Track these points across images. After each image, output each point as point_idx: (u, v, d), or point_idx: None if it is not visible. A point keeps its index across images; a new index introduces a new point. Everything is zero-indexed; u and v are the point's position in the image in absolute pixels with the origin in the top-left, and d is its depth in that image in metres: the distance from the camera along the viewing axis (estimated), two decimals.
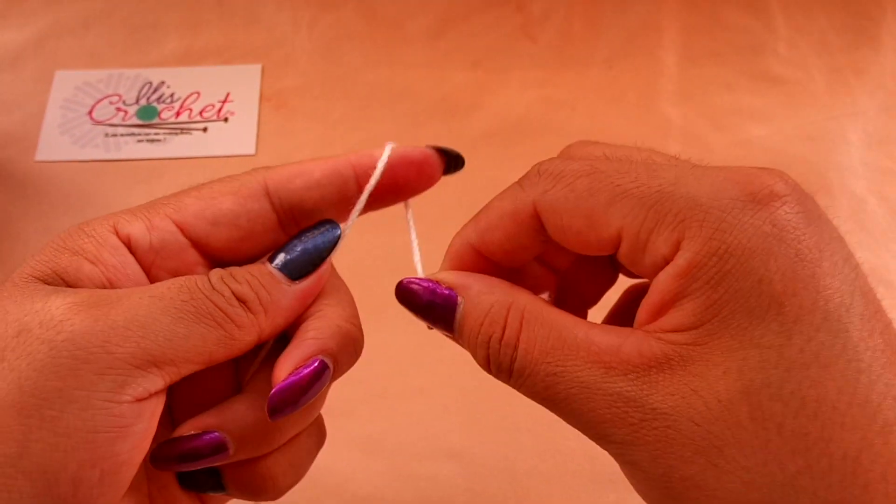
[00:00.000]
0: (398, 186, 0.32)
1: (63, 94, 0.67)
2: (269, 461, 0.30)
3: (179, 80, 0.68)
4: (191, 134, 0.65)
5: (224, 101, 0.67)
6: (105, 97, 0.67)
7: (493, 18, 0.72)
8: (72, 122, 0.65)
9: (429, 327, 0.31)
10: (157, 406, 0.26)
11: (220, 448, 0.28)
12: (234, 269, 0.28)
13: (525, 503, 0.49)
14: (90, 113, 0.66)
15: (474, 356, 0.28)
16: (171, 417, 0.30)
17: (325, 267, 0.30)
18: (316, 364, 0.28)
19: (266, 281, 0.28)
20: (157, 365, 0.25)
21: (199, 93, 0.67)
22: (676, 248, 0.24)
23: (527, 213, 0.27)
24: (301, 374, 0.28)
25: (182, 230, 0.29)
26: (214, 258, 0.30)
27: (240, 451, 0.28)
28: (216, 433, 0.28)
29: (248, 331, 0.28)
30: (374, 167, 0.31)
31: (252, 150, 0.64)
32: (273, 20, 0.72)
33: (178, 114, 0.66)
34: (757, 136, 0.66)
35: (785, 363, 0.22)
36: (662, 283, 0.24)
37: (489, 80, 0.69)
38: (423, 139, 0.65)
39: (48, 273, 0.27)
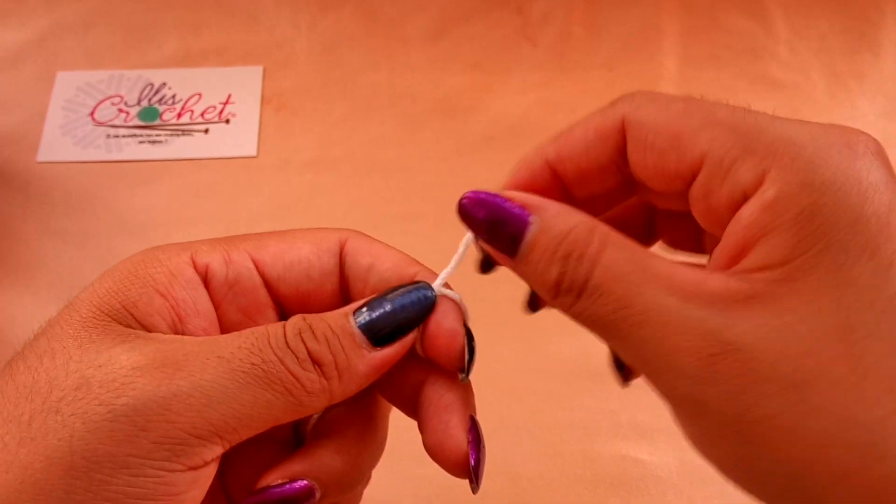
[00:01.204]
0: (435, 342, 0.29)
1: (65, 95, 0.67)
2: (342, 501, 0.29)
3: (181, 82, 0.68)
4: (192, 135, 0.65)
5: (225, 103, 0.67)
6: (107, 98, 0.67)
7: (493, 21, 0.73)
8: (73, 122, 0.65)
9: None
10: (211, 471, 0.25)
11: (309, 495, 0.27)
12: (314, 320, 0.27)
13: None
14: (92, 114, 0.66)
15: (538, 276, 0.25)
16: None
17: (411, 336, 0.28)
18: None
19: (346, 343, 0.26)
20: (218, 434, 0.24)
21: (200, 94, 0.67)
22: (761, 181, 0.23)
23: (614, 126, 0.26)
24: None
25: (258, 269, 0.28)
26: (282, 303, 0.29)
27: (323, 498, 0.28)
28: (305, 481, 0.27)
29: (318, 397, 0.26)
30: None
31: (253, 152, 0.64)
32: (273, 21, 0.72)
33: (179, 115, 0.66)
34: None
35: (881, 303, 0.22)
36: (746, 219, 0.23)
37: (489, 82, 0.69)
38: (423, 141, 0.65)
39: (117, 308, 0.26)
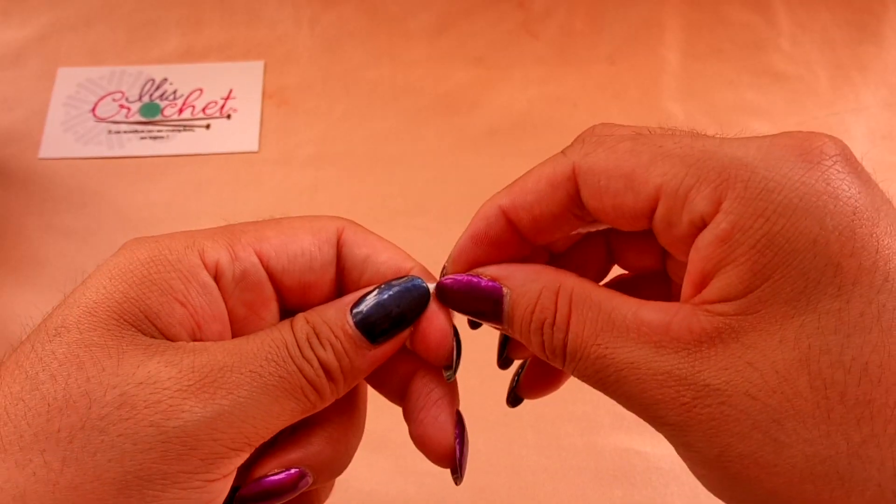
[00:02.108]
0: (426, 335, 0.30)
1: (66, 92, 0.67)
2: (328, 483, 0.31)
3: (182, 77, 0.68)
4: (194, 131, 0.65)
5: (227, 98, 0.67)
6: (108, 94, 0.67)
7: (495, 15, 0.72)
8: (75, 119, 0.65)
9: (472, 327, 0.30)
10: (234, 474, 0.26)
11: (303, 483, 0.28)
12: (317, 324, 0.27)
13: (529, 500, 0.49)
14: (93, 110, 0.66)
15: (528, 343, 0.27)
16: None
17: (407, 331, 0.29)
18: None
19: (349, 346, 0.27)
20: (249, 444, 0.26)
21: (201, 90, 0.67)
22: (717, 208, 0.23)
23: (564, 175, 0.26)
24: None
25: (262, 262, 0.29)
26: (284, 295, 0.30)
27: (314, 484, 0.29)
28: (298, 469, 0.28)
29: (327, 398, 0.28)
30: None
31: (255, 147, 0.64)
32: (274, 17, 0.72)
33: (181, 111, 0.66)
34: (759, 132, 0.65)
35: (845, 328, 0.21)
36: (703, 250, 0.23)
37: (491, 76, 0.69)
38: (425, 136, 0.65)
39: (139, 318, 0.26)
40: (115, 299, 0.26)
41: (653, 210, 0.24)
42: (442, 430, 0.29)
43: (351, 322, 0.28)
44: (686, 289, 0.24)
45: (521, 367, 0.33)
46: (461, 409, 0.31)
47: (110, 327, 0.25)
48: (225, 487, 0.26)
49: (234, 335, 0.28)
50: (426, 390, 0.30)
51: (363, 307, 0.28)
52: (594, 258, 0.31)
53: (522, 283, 0.27)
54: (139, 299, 0.26)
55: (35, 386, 0.24)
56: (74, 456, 0.23)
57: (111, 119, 0.66)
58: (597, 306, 0.25)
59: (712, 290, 0.23)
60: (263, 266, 0.29)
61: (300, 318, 0.28)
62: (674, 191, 0.23)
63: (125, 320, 0.25)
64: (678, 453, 0.26)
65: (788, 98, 0.68)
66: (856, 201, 0.22)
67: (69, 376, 0.24)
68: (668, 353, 0.23)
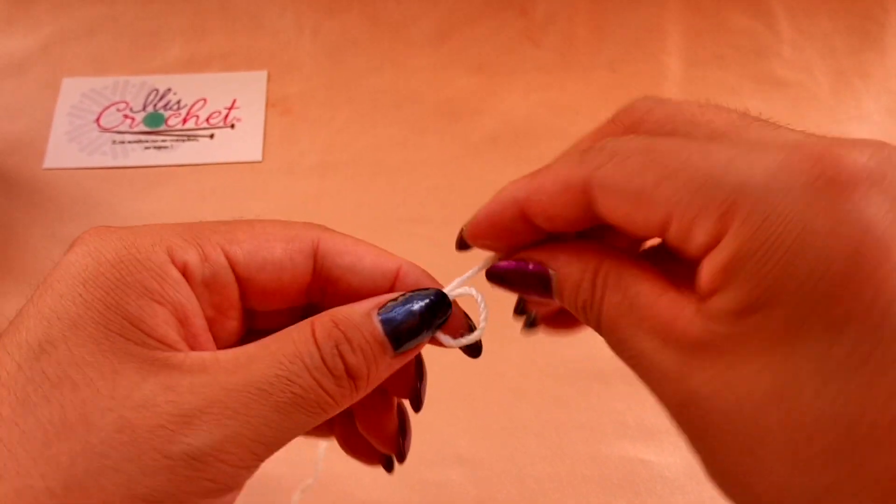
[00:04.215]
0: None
1: (70, 102, 0.67)
2: None
3: (186, 87, 0.68)
4: (198, 140, 0.65)
5: (230, 108, 0.67)
6: (112, 104, 0.67)
7: (497, 23, 0.73)
8: (79, 129, 0.66)
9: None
10: (244, 485, 0.26)
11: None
12: (348, 329, 0.27)
13: None
14: (97, 120, 0.66)
15: (575, 313, 0.28)
16: None
17: (426, 340, 0.29)
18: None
19: (377, 351, 0.27)
20: (261, 458, 0.26)
21: (205, 99, 0.67)
22: (719, 239, 0.22)
23: (578, 188, 0.26)
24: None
25: (231, 265, 0.28)
26: (249, 298, 0.29)
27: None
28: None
29: (343, 407, 0.27)
30: (418, 286, 0.30)
31: (259, 157, 0.65)
32: (277, 26, 0.72)
33: (184, 120, 0.66)
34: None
35: (823, 374, 0.21)
36: (707, 273, 0.23)
37: (493, 84, 0.69)
38: (427, 143, 0.65)
39: (122, 324, 0.25)
40: (96, 309, 0.25)
41: (665, 228, 0.24)
42: (385, 432, 0.32)
43: (379, 326, 0.27)
44: (698, 290, 0.24)
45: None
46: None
47: (99, 341, 0.25)
48: (234, 498, 0.26)
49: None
50: (372, 399, 0.32)
51: (392, 314, 0.28)
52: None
53: (566, 263, 0.28)
54: (118, 305, 0.25)
55: (29, 410, 0.23)
56: (77, 481, 0.23)
57: (115, 129, 0.66)
58: (624, 290, 0.26)
59: (713, 302, 0.23)
60: (232, 268, 0.28)
61: (327, 323, 0.27)
62: (679, 219, 0.23)
63: (112, 331, 0.25)
64: None
65: (790, 105, 0.68)
66: (865, 233, 0.20)
67: (63, 398, 0.24)
68: (669, 351, 0.24)
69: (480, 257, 0.30)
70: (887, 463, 0.20)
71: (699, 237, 0.23)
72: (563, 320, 0.33)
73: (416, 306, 0.28)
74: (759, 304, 0.22)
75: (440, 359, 0.54)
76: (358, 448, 0.34)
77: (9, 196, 0.62)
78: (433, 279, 0.31)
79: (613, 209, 0.25)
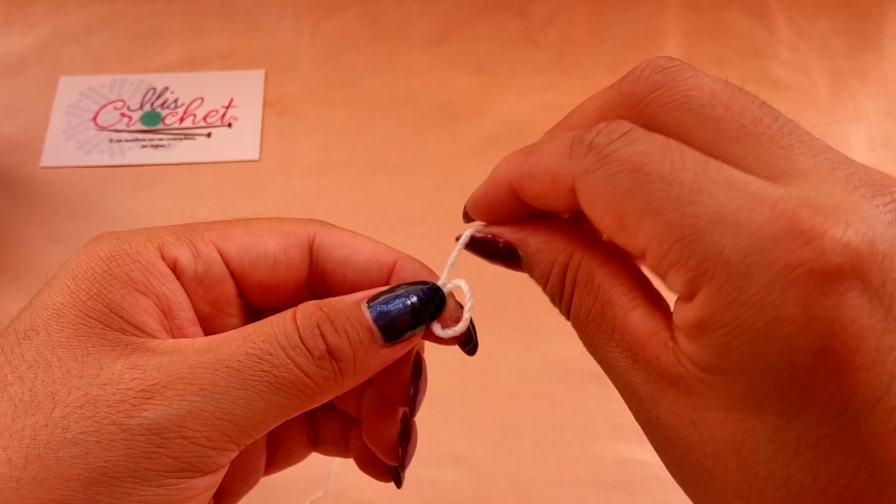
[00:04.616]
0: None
1: (67, 100, 0.67)
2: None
3: (183, 86, 0.68)
4: (195, 139, 0.65)
5: (228, 107, 0.67)
6: (109, 103, 0.67)
7: (496, 24, 0.73)
8: (76, 127, 0.66)
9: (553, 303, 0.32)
10: (226, 467, 0.26)
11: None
12: (332, 312, 0.27)
13: None
14: (95, 119, 0.66)
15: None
16: None
17: (419, 335, 0.29)
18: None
19: (364, 336, 0.27)
20: (233, 441, 0.25)
21: (202, 98, 0.67)
22: (692, 295, 0.22)
23: (565, 184, 0.25)
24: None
25: (225, 261, 0.28)
26: (247, 294, 0.29)
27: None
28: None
29: (329, 392, 0.27)
30: (415, 279, 0.30)
31: (256, 156, 0.64)
32: (276, 26, 0.72)
33: (182, 119, 0.66)
34: None
35: (776, 443, 0.21)
36: (677, 318, 0.23)
37: (492, 85, 0.69)
38: (426, 144, 0.65)
39: (105, 313, 0.25)
40: (79, 298, 0.25)
41: (640, 255, 0.24)
42: (387, 441, 0.32)
43: (368, 314, 0.27)
44: (673, 317, 0.24)
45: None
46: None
47: (77, 327, 0.25)
48: (212, 482, 0.25)
49: (205, 334, 0.28)
50: (375, 406, 0.32)
51: (383, 306, 0.27)
52: None
53: (536, 251, 0.27)
54: (102, 295, 0.26)
55: (3, 388, 0.24)
56: (38, 453, 0.23)
57: (112, 128, 0.66)
58: (595, 293, 0.25)
59: (683, 345, 0.23)
60: (225, 264, 0.28)
61: (309, 305, 0.27)
62: (657, 261, 0.23)
63: (92, 318, 0.25)
64: None
65: (788, 106, 0.67)
66: (832, 335, 0.20)
67: (36, 378, 0.24)
68: (639, 371, 0.24)
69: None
70: None
71: (673, 284, 0.23)
72: (371, 462, 0.34)
73: (408, 298, 0.28)
74: (724, 370, 0.22)
75: (437, 359, 0.54)
76: (371, 464, 0.34)
77: (6, 194, 0.62)
78: (431, 272, 0.30)
79: (596, 219, 0.24)
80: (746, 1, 0.74)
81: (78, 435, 0.23)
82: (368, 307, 0.27)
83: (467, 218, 0.30)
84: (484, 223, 0.29)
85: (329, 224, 0.30)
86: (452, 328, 0.29)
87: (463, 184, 0.68)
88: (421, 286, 0.29)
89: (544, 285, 0.27)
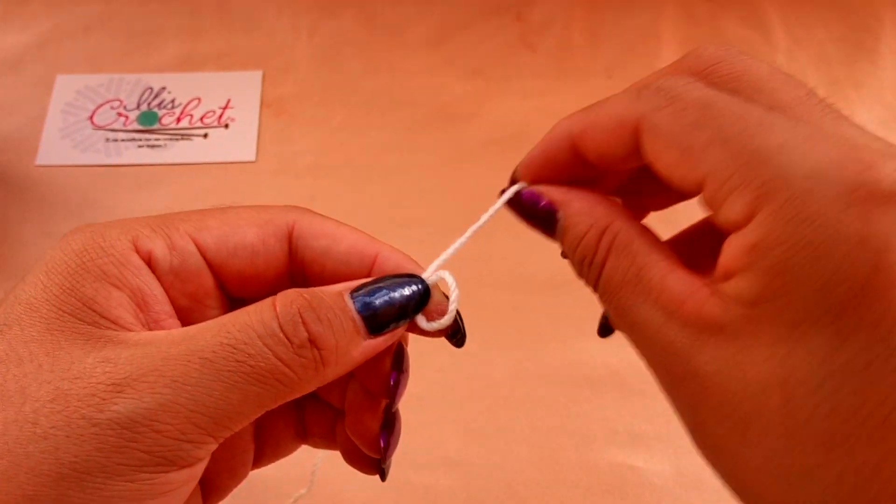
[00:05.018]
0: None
1: (64, 99, 0.67)
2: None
3: (180, 86, 0.68)
4: (191, 140, 0.65)
5: (225, 108, 0.67)
6: (106, 102, 0.67)
7: (493, 27, 0.73)
8: (73, 126, 0.66)
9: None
10: (206, 461, 0.25)
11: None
12: (315, 299, 0.26)
13: None
14: (91, 118, 0.66)
15: (571, 263, 0.28)
16: None
17: (403, 328, 0.28)
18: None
19: (348, 326, 0.27)
20: (209, 434, 0.24)
21: (199, 99, 0.67)
22: (750, 218, 0.23)
23: (630, 125, 0.26)
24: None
25: (201, 253, 0.28)
26: (226, 286, 0.29)
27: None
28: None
29: (309, 382, 0.26)
30: (398, 271, 0.29)
31: (252, 157, 0.64)
32: (273, 27, 0.72)
33: (178, 119, 0.66)
34: None
35: (826, 369, 0.21)
36: (731, 250, 0.23)
37: (489, 88, 0.69)
38: (422, 147, 0.65)
39: (78, 307, 0.25)
40: (52, 293, 0.25)
41: (699, 190, 0.24)
42: (369, 434, 0.31)
43: (351, 304, 0.27)
44: (718, 269, 0.24)
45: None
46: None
47: (50, 321, 0.25)
48: (189, 476, 0.25)
49: (183, 326, 0.27)
50: (358, 398, 0.31)
51: (366, 297, 0.27)
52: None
53: (576, 212, 0.27)
54: (74, 288, 0.25)
55: None
56: (7, 448, 0.23)
57: (109, 127, 0.66)
58: (632, 257, 0.26)
59: (730, 286, 0.23)
60: (202, 256, 0.28)
61: (290, 293, 0.26)
62: (718, 186, 0.23)
63: (65, 312, 0.25)
64: None
65: None
66: (886, 252, 0.21)
67: (7, 372, 0.24)
68: (675, 326, 0.24)
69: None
70: (873, 453, 0.21)
71: (731, 209, 0.23)
72: (355, 454, 0.33)
73: (393, 290, 0.28)
74: (777, 294, 0.22)
75: (431, 363, 0.54)
76: (356, 456, 0.33)
77: (1, 192, 0.62)
78: (415, 263, 0.30)
79: (658, 155, 0.25)
80: (744, 8, 0.74)
81: (48, 430, 0.23)
82: (352, 298, 0.27)
83: (512, 183, 0.30)
84: (528, 184, 0.30)
85: (311, 212, 0.30)
86: (438, 321, 0.29)
87: (459, 187, 0.68)
88: (405, 278, 0.28)
89: (575, 247, 0.27)
